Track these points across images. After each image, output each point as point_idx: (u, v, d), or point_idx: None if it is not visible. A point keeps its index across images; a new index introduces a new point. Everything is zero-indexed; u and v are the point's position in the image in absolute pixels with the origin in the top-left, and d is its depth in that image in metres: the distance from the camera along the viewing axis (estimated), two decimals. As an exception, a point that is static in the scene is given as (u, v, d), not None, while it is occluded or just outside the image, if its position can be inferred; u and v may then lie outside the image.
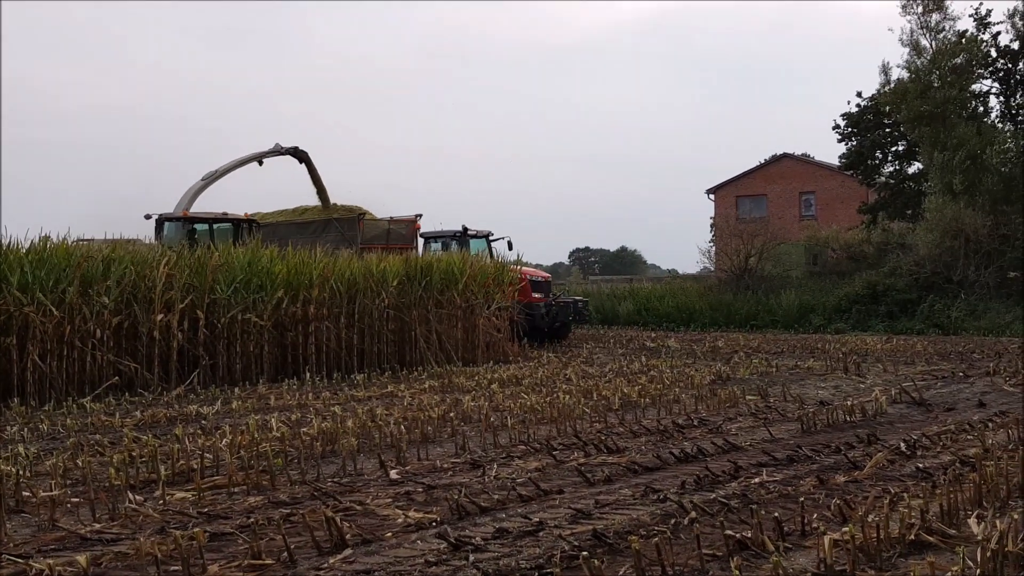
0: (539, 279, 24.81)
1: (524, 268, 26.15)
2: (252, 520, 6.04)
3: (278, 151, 25.89)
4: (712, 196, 50.48)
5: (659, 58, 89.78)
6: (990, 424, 9.82)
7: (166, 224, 20.93)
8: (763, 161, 51.54)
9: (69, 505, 6.57)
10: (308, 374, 15.45)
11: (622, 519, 6.00)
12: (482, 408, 10.98)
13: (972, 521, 5.59)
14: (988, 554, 4.83)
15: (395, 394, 13.16)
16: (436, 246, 25.39)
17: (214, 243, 20.92)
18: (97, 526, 6.00)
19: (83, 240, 18.69)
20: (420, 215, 26.35)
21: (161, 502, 6.62)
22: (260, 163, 25.73)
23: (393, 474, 7.58)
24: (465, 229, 25.12)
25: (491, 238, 25.63)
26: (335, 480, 7.41)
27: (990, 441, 8.64)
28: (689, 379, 14.29)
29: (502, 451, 8.65)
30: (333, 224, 25.57)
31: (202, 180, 23.93)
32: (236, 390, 13.75)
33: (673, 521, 5.84)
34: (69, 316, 13.17)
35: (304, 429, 9.44)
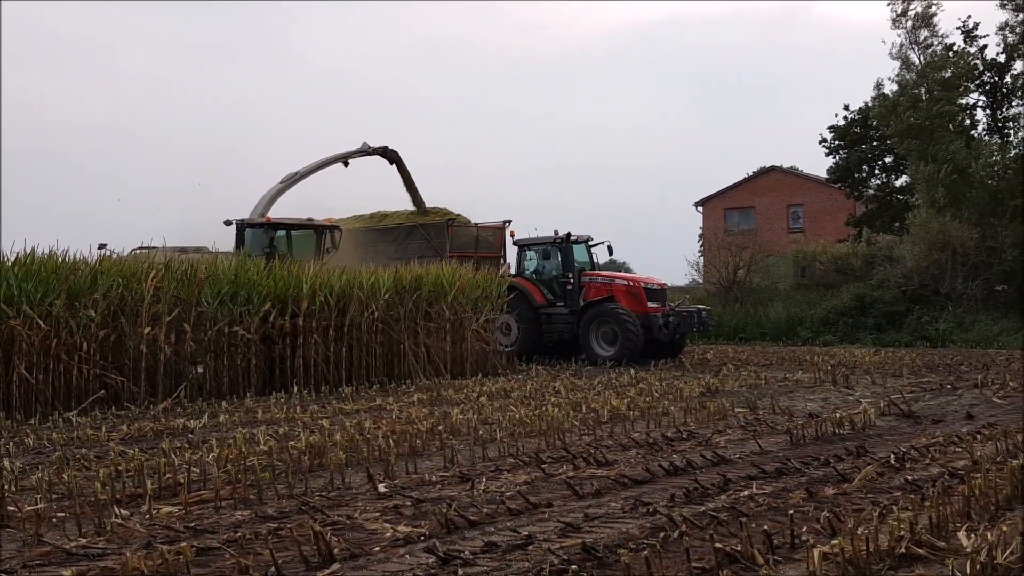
0: (655, 287, 22.15)
1: (637, 275, 24.15)
2: (239, 535, 6.00)
3: (365, 151, 24.46)
4: (700, 208, 50.62)
5: (647, 70, 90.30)
6: (979, 436, 9.84)
7: (247, 231, 19.78)
8: (751, 173, 51.76)
9: (55, 520, 6.52)
10: (296, 387, 15.38)
11: (611, 532, 5.98)
12: (471, 421, 10.94)
13: (962, 533, 5.60)
14: (977, 567, 4.84)
15: (383, 407, 13.12)
16: (533, 255, 23.04)
17: (291, 251, 20.12)
18: (83, 541, 5.95)
19: (144, 248, 18.51)
20: (509, 221, 24.87)
21: (147, 516, 6.56)
22: (346, 164, 24.33)
23: (381, 488, 7.54)
24: (568, 235, 22.34)
25: (590, 243, 23.14)
26: (323, 494, 7.37)
27: (979, 453, 8.65)
28: (678, 391, 14.28)
29: (491, 464, 8.62)
30: (419, 230, 24.11)
31: (281, 183, 22.57)
32: (223, 403, 13.68)
33: (662, 534, 5.82)
34: (56, 329, 13.09)
35: (292, 443, 9.39)
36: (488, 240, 24.63)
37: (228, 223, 19.86)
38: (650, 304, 21.43)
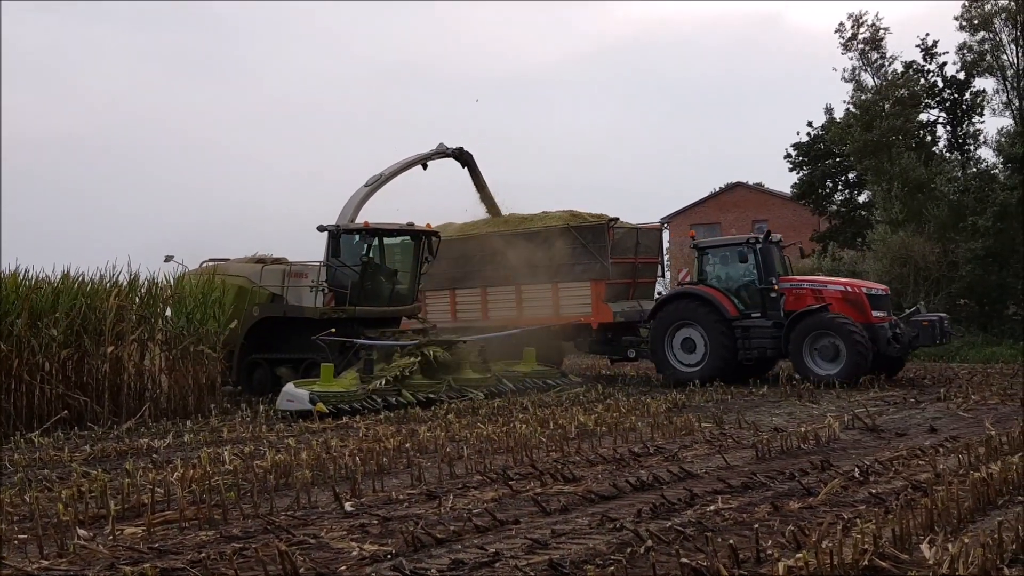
0: (878, 292, 19.07)
1: (854, 280, 21.42)
2: (204, 555, 5.95)
3: (442, 152, 22.81)
4: (667, 224, 50.84)
5: (611, 89, 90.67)
6: (941, 449, 9.95)
7: (343, 237, 18.15)
8: (717, 189, 52.13)
9: (16, 542, 6.43)
10: (262, 406, 15.27)
11: (578, 548, 5.99)
12: (438, 438, 10.92)
13: (924, 546, 5.65)
14: (939, 578, 4.88)
15: (350, 425, 13.06)
16: (717, 259, 19.99)
17: (383, 259, 19.00)
18: (45, 563, 5.88)
19: (214, 261, 18.13)
20: (666, 223, 23.01)
21: (111, 538, 6.49)
22: (424, 167, 22.62)
23: (348, 506, 7.51)
24: (768, 234, 19.62)
25: (782, 244, 20.49)
26: (289, 513, 7.33)
27: (941, 466, 8.74)
28: (645, 407, 14.31)
29: (458, 482, 8.61)
30: (571, 234, 21.38)
31: (366, 186, 20.90)
32: (188, 423, 13.56)
33: (629, 550, 5.84)
34: (17, 349, 12.94)
35: (257, 462, 9.33)
36: (647, 244, 22.66)
37: (321, 229, 18.31)
38: (875, 313, 18.30)
